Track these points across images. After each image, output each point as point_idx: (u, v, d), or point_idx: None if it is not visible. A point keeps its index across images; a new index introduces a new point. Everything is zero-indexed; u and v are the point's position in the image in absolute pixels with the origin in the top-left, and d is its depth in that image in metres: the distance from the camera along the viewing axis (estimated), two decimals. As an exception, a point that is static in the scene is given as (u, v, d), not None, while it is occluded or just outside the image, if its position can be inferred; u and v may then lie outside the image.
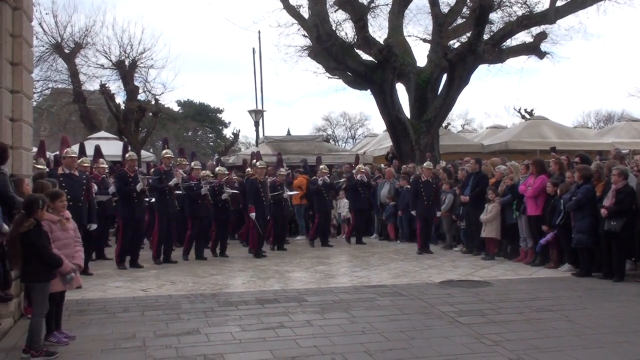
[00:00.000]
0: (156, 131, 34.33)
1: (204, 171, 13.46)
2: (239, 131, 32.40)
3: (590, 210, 10.00)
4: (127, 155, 12.42)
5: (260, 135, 26.96)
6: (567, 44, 39.44)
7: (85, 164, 11.77)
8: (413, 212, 13.76)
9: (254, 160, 15.02)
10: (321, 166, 15.82)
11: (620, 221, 9.43)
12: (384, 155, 22.42)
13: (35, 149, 12.10)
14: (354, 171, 16.05)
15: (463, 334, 6.61)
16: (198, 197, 12.57)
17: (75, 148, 14.24)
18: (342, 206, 16.44)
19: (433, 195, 13.56)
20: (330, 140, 49.02)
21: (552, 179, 11.10)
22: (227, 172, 14.88)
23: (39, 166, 10.44)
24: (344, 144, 51.12)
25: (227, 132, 52.51)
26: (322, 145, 23.53)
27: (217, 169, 14.12)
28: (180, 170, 12.86)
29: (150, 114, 27.88)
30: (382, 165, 19.51)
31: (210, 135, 56.62)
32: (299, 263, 11.90)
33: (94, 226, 10.48)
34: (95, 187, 11.64)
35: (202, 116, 53.15)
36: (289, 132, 26.87)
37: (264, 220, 13.08)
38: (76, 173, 10.18)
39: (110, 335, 6.65)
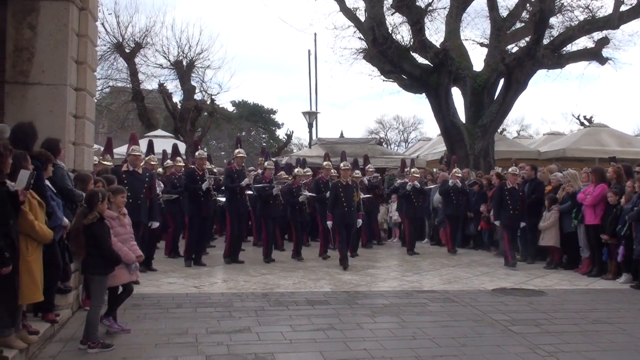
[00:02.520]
0: (211, 131, 34.91)
1: (281, 172, 13.46)
2: (292, 132, 32.57)
3: (652, 220, 9.72)
4: (196, 153, 12.39)
5: (314, 137, 27.05)
6: (629, 50, 38.48)
7: (152, 162, 11.79)
8: (496, 222, 12.51)
9: (325, 162, 14.61)
10: (412, 170, 14.72)
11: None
12: (437, 159, 22.20)
13: (96, 146, 12.34)
14: (448, 176, 15.09)
15: (516, 343, 6.49)
16: (269, 198, 12.48)
17: (144, 145, 14.27)
18: (394, 210, 16.33)
19: (519, 204, 12.17)
20: (383, 144, 48.90)
21: (612, 188, 10.81)
22: (309, 174, 14.83)
23: (106, 162, 10.64)
24: (396, 147, 50.87)
25: (280, 133, 52.97)
26: (375, 148, 23.42)
27: (296, 170, 13.94)
28: (259, 170, 12.88)
29: (206, 113, 28.34)
30: (435, 170, 19.32)
31: (264, 135, 57.11)
32: (350, 266, 11.81)
33: (156, 224, 10.47)
34: (162, 185, 11.78)
35: (256, 117, 53.65)
36: (342, 134, 26.88)
37: (346, 229, 11.81)
38: (139, 171, 10.17)
39: (164, 330, 6.78)
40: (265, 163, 13.61)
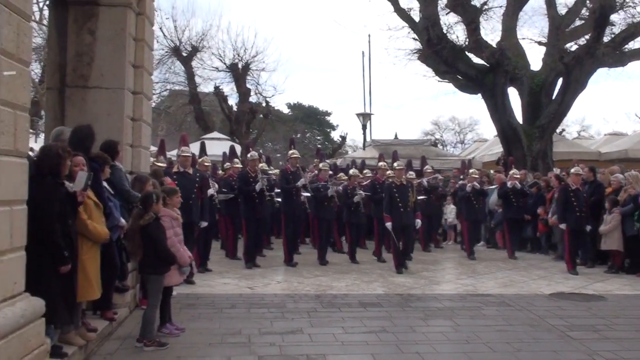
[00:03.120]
0: (266, 133, 35.26)
1: (340, 174, 13.36)
2: (347, 134, 32.61)
3: None
4: (248, 155, 12.39)
5: (368, 139, 26.99)
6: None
7: (206, 163, 11.87)
8: (562, 226, 11.84)
9: (380, 163, 14.24)
10: (470, 170, 14.49)
11: None
12: (494, 161, 21.84)
13: (153, 148, 12.57)
14: (504, 177, 14.57)
15: (573, 349, 6.32)
16: (324, 199, 12.39)
17: (196, 147, 14.35)
18: (449, 212, 16.14)
19: (585, 206, 11.71)
20: (439, 145, 48.39)
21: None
22: (369, 175, 14.62)
23: (159, 164, 10.83)
24: (452, 149, 50.33)
25: (335, 135, 52.99)
26: (429, 150, 23.20)
27: (351, 171, 13.69)
28: (315, 171, 12.85)
29: (261, 115, 28.65)
30: (492, 172, 19.01)
31: (318, 137, 57.26)
32: (405, 270, 11.64)
33: (205, 224, 10.40)
34: (216, 185, 11.82)
35: (311, 118, 53.80)
36: (396, 136, 26.75)
37: (402, 231, 11.40)
38: (190, 171, 10.20)
39: (218, 330, 6.87)
40: (320, 164, 13.47)
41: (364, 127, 27.20)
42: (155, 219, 6.24)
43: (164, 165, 10.83)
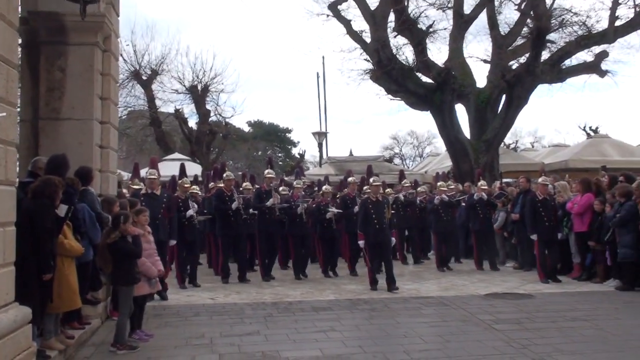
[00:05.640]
0: (227, 151, 35.96)
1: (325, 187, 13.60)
2: (305, 152, 33.47)
3: (633, 225, 10.44)
4: (224, 175, 12.79)
5: (325, 156, 27.92)
6: (631, 62, 39.30)
7: (186, 185, 12.08)
8: (533, 237, 12.00)
9: (350, 178, 14.33)
10: (439, 183, 14.76)
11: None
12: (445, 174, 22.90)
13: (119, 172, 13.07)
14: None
15: (495, 338, 7.28)
16: (295, 216, 12.66)
17: (175, 169, 14.25)
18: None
19: (554, 216, 12.05)
20: (397, 160, 49.66)
21: (600, 197, 11.55)
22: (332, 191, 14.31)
23: (134, 186, 11.47)
24: (411, 163, 51.59)
25: (296, 152, 53.91)
26: (382, 165, 24.18)
27: (324, 187, 13.71)
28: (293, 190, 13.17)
29: (221, 135, 29.41)
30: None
31: (280, 154, 58.12)
32: (357, 277, 12.58)
33: (173, 242, 10.90)
34: (195, 206, 11.94)
35: (272, 136, 54.71)
36: (351, 152, 27.77)
37: (380, 249, 11.17)
38: (157, 192, 10.73)
39: (183, 335, 7.66)
40: (294, 182, 13.74)
41: (320, 145, 28.11)
42: (120, 237, 7.01)
43: (140, 187, 11.39)
